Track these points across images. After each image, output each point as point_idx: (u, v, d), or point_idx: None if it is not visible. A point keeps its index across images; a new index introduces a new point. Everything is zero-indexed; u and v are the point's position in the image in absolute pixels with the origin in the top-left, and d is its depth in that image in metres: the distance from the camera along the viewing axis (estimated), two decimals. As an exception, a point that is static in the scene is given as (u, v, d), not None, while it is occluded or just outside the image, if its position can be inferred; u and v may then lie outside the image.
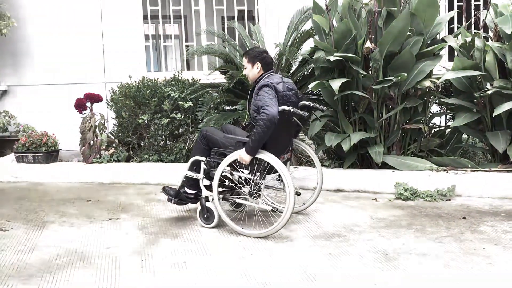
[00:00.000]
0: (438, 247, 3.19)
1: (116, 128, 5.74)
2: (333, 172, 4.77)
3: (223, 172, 3.54)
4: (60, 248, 3.29)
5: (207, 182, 3.71)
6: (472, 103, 4.73)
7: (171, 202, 3.82)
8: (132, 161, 5.52)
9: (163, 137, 5.51)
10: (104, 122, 5.57)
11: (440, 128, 5.23)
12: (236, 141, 3.54)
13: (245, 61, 3.77)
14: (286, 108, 3.46)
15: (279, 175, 3.43)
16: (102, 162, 5.42)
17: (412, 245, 3.23)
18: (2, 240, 3.45)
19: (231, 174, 3.55)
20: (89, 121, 5.42)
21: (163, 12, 6.47)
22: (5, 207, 4.31)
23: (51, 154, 5.51)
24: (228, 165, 3.52)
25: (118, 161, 5.48)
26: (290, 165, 4.05)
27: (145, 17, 6.42)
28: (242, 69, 3.81)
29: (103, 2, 6.24)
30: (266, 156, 3.41)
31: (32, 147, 5.45)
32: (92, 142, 5.44)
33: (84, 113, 5.49)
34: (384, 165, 4.76)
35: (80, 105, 5.44)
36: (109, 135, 5.78)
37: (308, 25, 5.28)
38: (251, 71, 3.73)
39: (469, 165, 4.65)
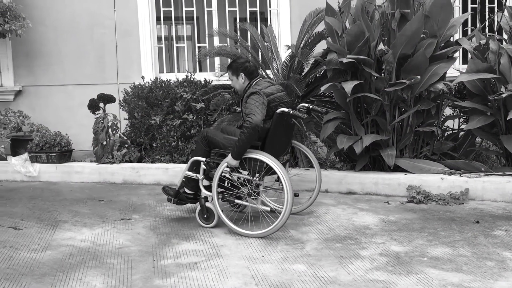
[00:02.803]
0: (451, 251, 3.16)
1: (128, 129, 5.78)
2: (345, 175, 4.75)
3: (222, 172, 3.59)
4: (73, 247, 3.32)
5: (206, 183, 3.76)
6: (486, 106, 4.69)
7: (170, 202, 3.89)
8: (144, 162, 5.54)
9: (175, 138, 5.53)
10: (116, 123, 5.61)
11: (453, 131, 5.18)
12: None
13: (229, 74, 3.87)
14: (286, 109, 3.53)
15: (278, 176, 3.46)
16: (114, 162, 5.45)
17: (424, 248, 3.21)
18: (16, 238, 3.49)
19: (230, 175, 3.60)
20: (102, 121, 5.46)
21: (176, 13, 6.49)
22: (19, 206, 4.36)
23: (64, 154, 5.55)
24: (228, 166, 3.57)
25: (130, 161, 5.51)
26: (289, 166, 4.09)
27: (158, 19, 6.45)
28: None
29: (117, 3, 6.28)
30: (265, 157, 3.46)
31: (45, 147, 5.50)
32: (104, 143, 5.48)
33: (97, 114, 5.53)
34: (397, 168, 4.73)
35: (93, 106, 5.48)
36: (122, 135, 5.81)
37: (320, 27, 5.27)
38: (237, 82, 3.83)
39: (483, 169, 4.61)
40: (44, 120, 6.14)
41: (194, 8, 6.44)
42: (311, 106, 3.92)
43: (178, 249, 3.27)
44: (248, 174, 3.56)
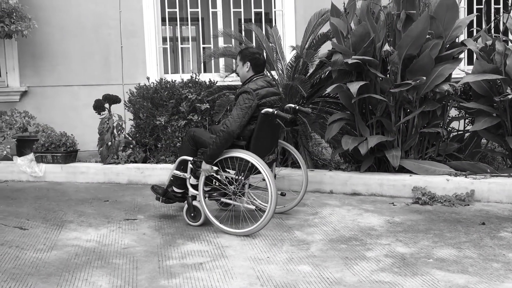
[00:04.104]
0: (457, 252, 3.15)
1: (133, 129, 5.79)
2: (349, 176, 4.75)
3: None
4: (78, 247, 3.33)
5: (194, 181, 3.81)
6: (492, 107, 4.67)
7: (159, 200, 3.97)
8: (149, 162, 5.55)
9: (180, 138, 5.54)
10: (121, 123, 5.62)
11: (459, 132, 5.17)
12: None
13: (238, 58, 3.92)
14: (270, 110, 3.58)
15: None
16: (119, 163, 5.46)
17: (430, 250, 3.20)
18: (22, 238, 3.50)
19: (217, 174, 3.64)
20: (107, 122, 5.47)
21: (181, 14, 6.50)
22: (25, 206, 4.38)
23: (69, 154, 5.57)
24: (214, 165, 3.62)
25: (135, 162, 5.52)
26: (276, 166, 4.17)
27: (163, 19, 6.46)
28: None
29: (122, 4, 6.30)
30: (249, 157, 3.52)
31: (51, 147, 5.52)
32: (110, 143, 5.49)
33: (103, 114, 5.54)
34: (402, 169, 4.72)
35: (98, 106, 5.49)
36: (127, 136, 5.82)
37: (325, 28, 5.26)
38: (241, 69, 3.87)
39: (488, 170, 4.59)
40: (49, 121, 6.16)
41: (199, 9, 6.45)
42: (297, 107, 3.99)
43: (183, 249, 3.28)
44: (235, 173, 3.62)
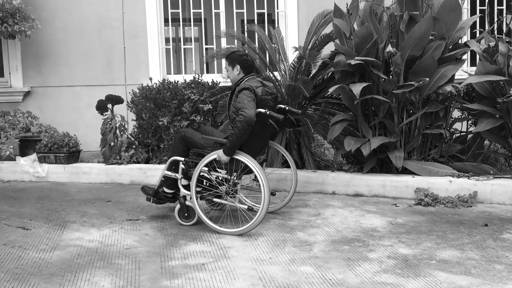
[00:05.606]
0: (460, 254, 3.15)
1: (136, 130, 5.80)
2: (352, 177, 4.74)
3: (201, 172, 3.66)
4: (81, 247, 3.34)
5: (185, 182, 3.82)
6: (494, 108, 4.66)
7: (149, 201, 3.98)
8: (151, 163, 5.56)
9: (183, 139, 5.54)
10: (124, 124, 5.62)
11: (462, 134, 5.16)
12: (214, 141, 3.68)
13: (226, 64, 3.94)
14: (262, 110, 3.60)
15: (255, 176, 3.54)
16: (122, 163, 5.47)
17: (433, 251, 3.19)
18: (25, 238, 3.51)
19: (209, 174, 3.66)
20: (110, 122, 5.48)
21: (184, 15, 6.51)
22: (27, 207, 4.39)
23: (72, 154, 5.58)
24: (205, 165, 3.64)
25: (138, 162, 5.53)
26: (265, 166, 4.20)
27: (166, 20, 6.47)
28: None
29: (125, 5, 6.31)
30: (242, 157, 3.53)
31: (54, 148, 5.52)
32: (112, 143, 5.50)
33: (105, 115, 5.55)
34: (404, 170, 4.71)
35: (101, 107, 5.50)
36: (129, 136, 5.83)
37: (328, 29, 5.26)
38: (232, 73, 3.89)
39: (491, 172, 4.58)
40: (52, 121, 6.17)
41: (201, 10, 6.46)
42: (287, 108, 4.02)
43: (186, 250, 3.28)
44: (226, 173, 3.63)
